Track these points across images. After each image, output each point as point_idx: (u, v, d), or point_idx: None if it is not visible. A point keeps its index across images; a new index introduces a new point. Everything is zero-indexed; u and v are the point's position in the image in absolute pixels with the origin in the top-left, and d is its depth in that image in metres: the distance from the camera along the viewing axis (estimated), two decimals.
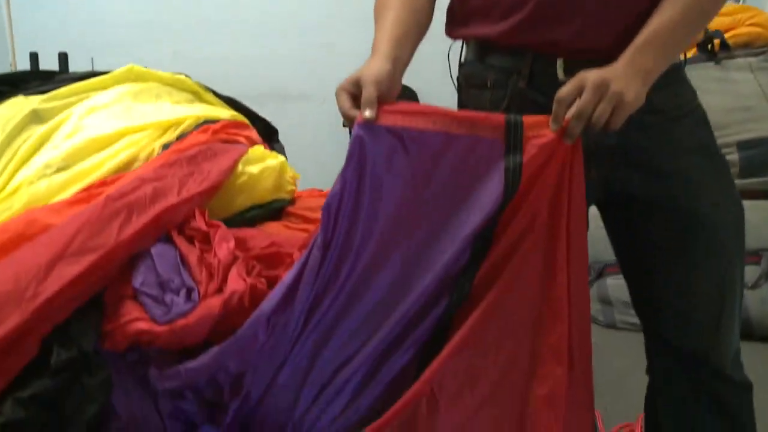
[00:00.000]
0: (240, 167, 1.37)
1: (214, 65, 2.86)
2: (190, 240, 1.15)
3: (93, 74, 1.68)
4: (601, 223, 1.18)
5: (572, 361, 0.97)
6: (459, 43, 1.14)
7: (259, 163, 1.41)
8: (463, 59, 1.12)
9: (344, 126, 0.94)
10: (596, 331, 2.06)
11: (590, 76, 0.88)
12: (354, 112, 0.93)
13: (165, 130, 1.46)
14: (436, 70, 1.21)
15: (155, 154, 1.38)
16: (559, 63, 0.99)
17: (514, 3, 1.00)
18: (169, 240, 1.15)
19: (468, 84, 1.10)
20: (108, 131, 1.41)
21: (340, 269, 0.96)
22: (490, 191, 0.93)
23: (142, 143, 1.41)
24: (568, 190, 0.94)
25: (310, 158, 2.15)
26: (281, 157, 1.49)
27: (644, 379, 1.21)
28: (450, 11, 1.11)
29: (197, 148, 1.34)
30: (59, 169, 1.33)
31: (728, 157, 1.32)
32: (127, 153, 1.37)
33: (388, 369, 0.97)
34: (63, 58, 2.60)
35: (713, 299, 1.04)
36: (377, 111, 0.92)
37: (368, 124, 0.92)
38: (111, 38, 3.27)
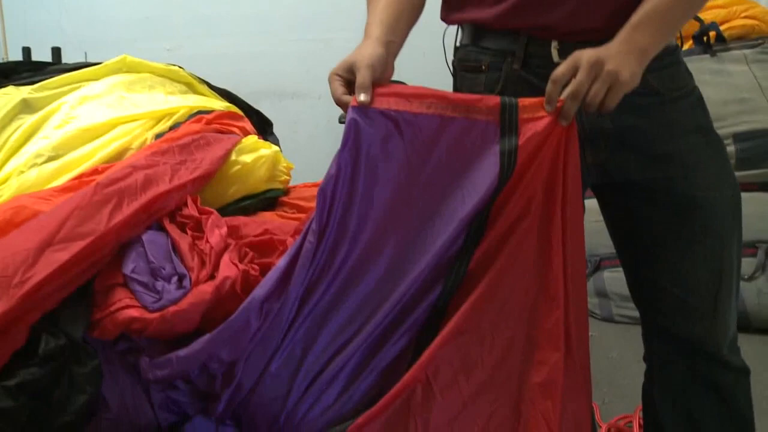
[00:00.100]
0: (233, 157, 1.36)
1: (209, 62, 2.84)
2: (182, 227, 1.14)
3: (85, 65, 1.67)
4: (597, 217, 1.18)
5: (569, 346, 0.96)
6: (453, 28, 1.13)
7: (252, 152, 1.40)
8: (458, 43, 1.12)
9: (340, 122, 0.93)
10: (593, 325, 2.06)
11: (585, 55, 0.87)
12: (347, 98, 0.92)
13: (158, 120, 1.45)
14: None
15: (148, 143, 1.37)
16: (554, 45, 0.98)
17: None
18: (160, 227, 1.14)
19: (462, 68, 1.09)
20: (100, 121, 1.39)
21: (335, 255, 0.95)
22: (486, 174, 0.92)
23: (135, 133, 1.39)
24: (563, 172, 0.93)
25: (306, 155, 2.14)
26: (275, 147, 1.48)
27: (642, 372, 1.20)
28: None
29: (190, 137, 1.33)
30: (50, 159, 1.32)
31: None
32: (119, 143, 1.36)
33: (382, 356, 0.96)
34: (56, 52, 2.58)
35: (709, 282, 1.04)
36: (372, 94, 0.91)
37: (363, 107, 0.90)
38: (105, 35, 3.26)
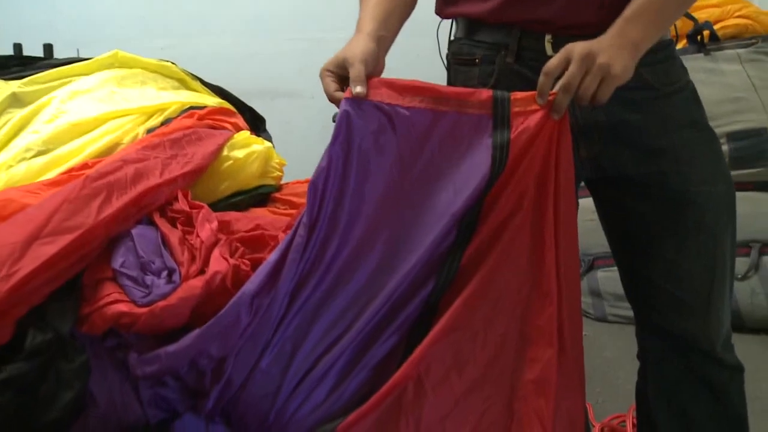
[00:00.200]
0: (225, 152, 1.35)
1: (203, 61, 2.82)
2: (173, 222, 1.13)
3: (76, 61, 1.65)
4: (591, 216, 1.17)
5: (563, 343, 0.95)
6: (447, 22, 1.12)
7: (244, 148, 1.39)
8: (452, 37, 1.11)
9: (333, 121, 0.93)
10: (587, 324, 2.06)
11: (576, 48, 0.87)
12: (340, 95, 0.91)
13: (150, 116, 1.44)
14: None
15: (139, 138, 1.36)
16: (547, 38, 0.98)
17: None
18: (150, 222, 1.13)
19: (456, 61, 1.09)
20: (91, 116, 1.38)
21: (325, 250, 0.94)
22: (478, 168, 0.91)
23: (126, 128, 1.38)
24: (555, 166, 0.92)
25: (299, 155, 2.13)
26: (267, 143, 1.47)
27: (635, 372, 1.20)
28: None
29: (182, 132, 1.32)
30: (39, 153, 1.30)
31: None
32: (110, 137, 1.35)
33: (373, 353, 0.94)
34: (48, 49, 2.56)
35: (702, 278, 1.03)
36: (367, 87, 0.90)
37: (356, 100, 0.90)
38: (97, 33, 3.23)
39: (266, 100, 3.25)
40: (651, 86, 0.99)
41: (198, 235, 1.07)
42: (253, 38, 3.35)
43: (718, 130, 1.08)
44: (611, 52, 0.87)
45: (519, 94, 0.91)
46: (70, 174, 1.21)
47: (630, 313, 1.17)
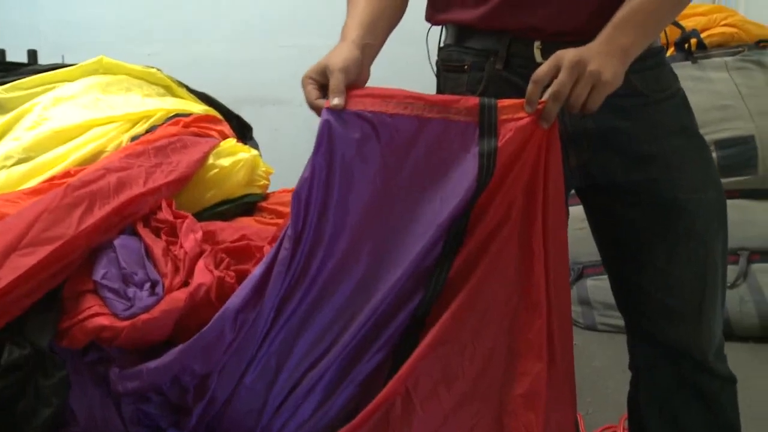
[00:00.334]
0: (211, 160, 1.33)
1: (190, 68, 2.80)
2: (156, 232, 1.11)
3: (61, 67, 1.63)
4: (580, 225, 1.16)
5: (553, 355, 0.93)
6: (436, 29, 1.11)
7: (230, 156, 1.37)
8: (441, 44, 1.10)
9: (319, 116, 0.91)
10: (576, 333, 2.04)
11: (566, 55, 0.85)
12: (320, 103, 0.90)
13: (134, 123, 1.42)
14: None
15: (123, 146, 1.34)
16: (537, 45, 0.97)
17: None
18: (133, 232, 1.10)
19: (445, 68, 1.08)
20: (74, 122, 1.36)
21: (310, 263, 0.92)
22: (464, 177, 0.90)
23: (110, 135, 1.36)
24: (544, 175, 0.91)
25: (287, 162, 2.11)
26: (254, 151, 1.45)
27: (626, 381, 1.19)
28: None
29: (166, 140, 1.30)
30: (20, 161, 1.28)
31: None
32: (93, 145, 1.33)
33: (360, 368, 0.92)
34: (32, 55, 2.53)
35: (693, 286, 1.02)
36: (345, 98, 0.89)
37: (336, 110, 0.88)
38: (84, 38, 3.20)
39: (255, 108, 3.23)
40: (641, 93, 0.99)
41: (182, 246, 1.05)
42: (242, 45, 3.33)
43: (705, 138, 1.07)
44: (601, 59, 0.86)
45: (506, 102, 0.90)
46: (51, 182, 1.19)
47: (620, 322, 1.17)
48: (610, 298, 1.16)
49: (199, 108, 1.60)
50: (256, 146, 1.78)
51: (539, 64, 0.88)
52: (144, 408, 0.99)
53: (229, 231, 1.14)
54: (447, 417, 0.91)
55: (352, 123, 0.89)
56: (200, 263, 1.01)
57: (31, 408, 0.93)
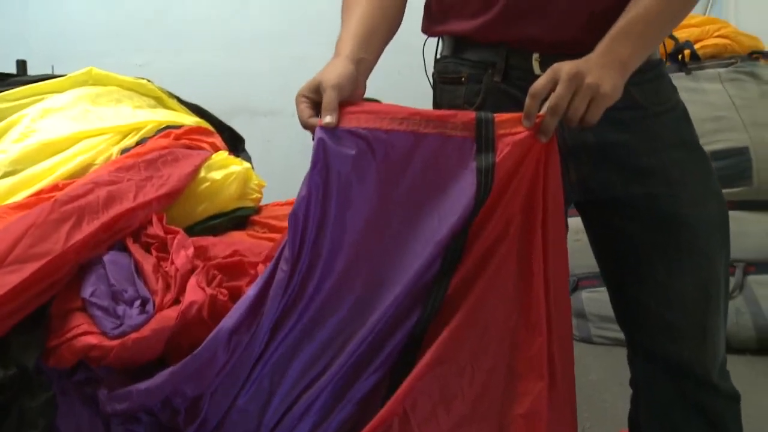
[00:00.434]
0: (202, 173, 1.32)
1: (182, 78, 2.79)
2: (147, 248, 1.08)
3: (50, 77, 1.61)
4: (576, 236, 1.14)
5: (553, 375, 0.92)
6: (432, 40, 1.10)
7: (222, 169, 1.36)
8: (438, 55, 1.09)
9: (314, 140, 0.89)
10: None
11: (564, 68, 0.84)
12: (314, 122, 0.88)
13: (124, 135, 1.40)
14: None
15: (113, 159, 1.31)
16: (535, 57, 0.96)
17: None
18: (123, 248, 1.08)
19: (442, 80, 1.06)
20: (63, 134, 1.34)
21: (307, 283, 0.90)
22: (462, 193, 0.88)
23: (100, 148, 1.34)
24: (543, 190, 0.89)
25: (279, 174, 2.10)
26: (246, 164, 1.43)
27: (623, 394, 1.17)
28: (426, 7, 1.07)
29: (157, 153, 1.28)
30: (6, 174, 1.26)
31: None
32: (82, 158, 1.31)
33: (357, 389, 0.90)
34: (21, 65, 2.50)
35: (696, 302, 1.01)
36: (339, 115, 0.87)
37: (329, 128, 0.87)
38: (74, 48, 3.17)
39: (246, 118, 3.22)
40: (640, 105, 0.98)
41: (173, 262, 1.02)
42: (234, 55, 3.31)
43: None
44: (599, 71, 0.84)
45: (504, 116, 0.88)
46: (38, 196, 1.16)
47: (615, 334, 1.15)
48: (606, 311, 1.15)
49: (190, 120, 1.58)
50: (248, 158, 1.77)
51: (538, 77, 0.86)
52: (134, 429, 0.97)
53: (221, 246, 1.12)
54: None
55: (347, 140, 0.88)
56: (192, 280, 0.99)
57: (16, 431, 0.90)
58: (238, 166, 1.39)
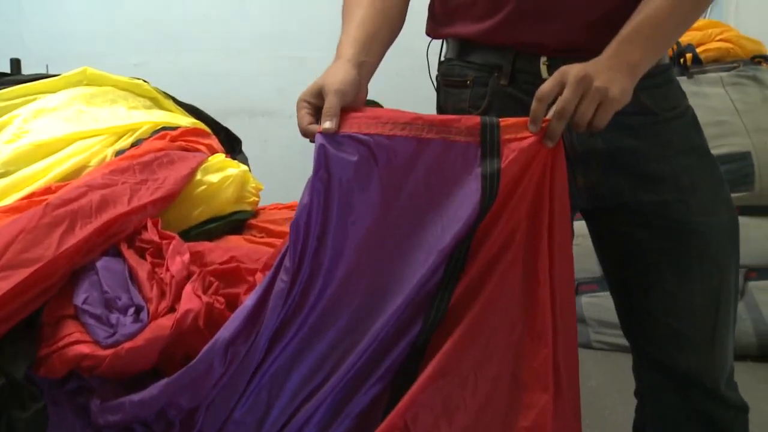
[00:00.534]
0: (199, 176, 1.29)
1: (178, 78, 2.77)
2: (141, 253, 1.06)
3: (43, 77, 1.58)
4: (576, 240, 1.12)
5: (559, 386, 0.89)
6: (436, 42, 1.08)
7: (219, 172, 1.33)
8: (442, 57, 1.07)
9: (312, 142, 0.87)
10: None
11: (572, 71, 0.82)
12: (313, 129, 0.86)
13: (119, 136, 1.38)
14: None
15: (108, 160, 1.29)
16: (543, 60, 0.94)
17: (496, 1, 0.94)
18: (117, 253, 1.06)
19: (446, 83, 1.04)
20: (56, 136, 1.32)
21: (308, 293, 0.87)
22: (467, 199, 0.86)
23: (94, 149, 1.32)
24: (549, 197, 0.87)
25: (276, 175, 2.08)
26: (243, 166, 1.41)
27: (623, 401, 1.15)
28: (431, 10, 1.06)
29: (153, 155, 1.26)
30: None
31: None
32: (76, 159, 1.29)
33: (357, 401, 0.88)
34: (15, 64, 2.47)
35: (705, 311, 0.99)
36: (340, 120, 0.85)
37: (329, 134, 0.85)
38: (69, 48, 3.15)
39: (244, 119, 3.20)
40: (650, 111, 0.96)
41: (168, 269, 1.00)
42: (230, 56, 3.29)
43: None
44: (608, 74, 0.82)
45: (509, 120, 0.86)
46: (30, 200, 1.14)
47: (615, 339, 1.14)
48: (605, 316, 1.13)
49: (186, 121, 1.56)
50: (245, 160, 1.75)
51: (545, 80, 0.84)
52: None
53: (217, 252, 1.10)
54: None
55: (348, 146, 0.86)
56: (188, 288, 0.96)
57: None
58: (235, 168, 1.37)
